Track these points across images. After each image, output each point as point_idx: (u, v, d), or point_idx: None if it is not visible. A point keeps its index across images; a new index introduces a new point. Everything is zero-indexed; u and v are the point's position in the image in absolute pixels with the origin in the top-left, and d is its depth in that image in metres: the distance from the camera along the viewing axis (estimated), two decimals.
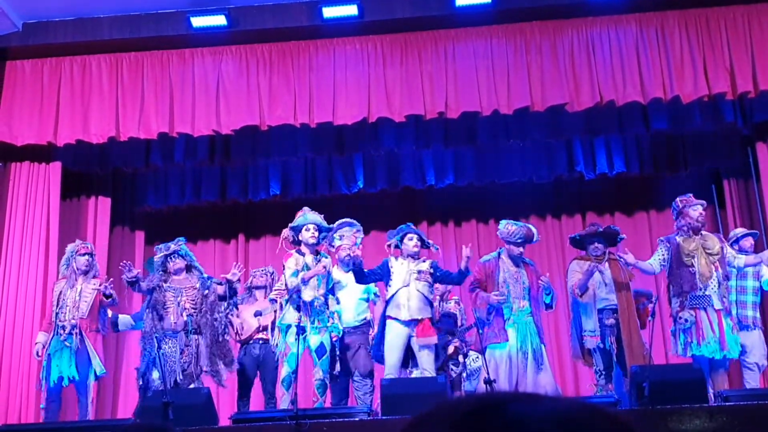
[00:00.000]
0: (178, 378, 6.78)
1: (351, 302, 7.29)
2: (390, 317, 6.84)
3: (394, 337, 6.80)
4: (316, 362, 6.81)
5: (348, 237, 7.39)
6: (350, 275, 7.26)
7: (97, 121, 8.42)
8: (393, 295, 6.85)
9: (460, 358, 7.49)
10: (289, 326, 6.83)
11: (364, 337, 7.26)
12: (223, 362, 6.96)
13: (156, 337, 6.76)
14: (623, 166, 9.36)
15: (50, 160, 8.76)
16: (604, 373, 6.92)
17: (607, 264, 7.07)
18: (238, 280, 7.13)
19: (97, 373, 7.00)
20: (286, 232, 7.17)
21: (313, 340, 6.80)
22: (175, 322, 6.91)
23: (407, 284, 6.83)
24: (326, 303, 6.91)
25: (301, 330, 6.61)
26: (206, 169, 9.66)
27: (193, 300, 6.99)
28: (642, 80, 8.08)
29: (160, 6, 8.51)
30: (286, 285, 7.02)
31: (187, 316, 6.93)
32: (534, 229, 7.19)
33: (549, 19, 8.36)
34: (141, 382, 6.97)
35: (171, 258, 7.09)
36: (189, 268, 7.16)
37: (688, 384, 5.89)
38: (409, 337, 6.80)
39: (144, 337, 7.05)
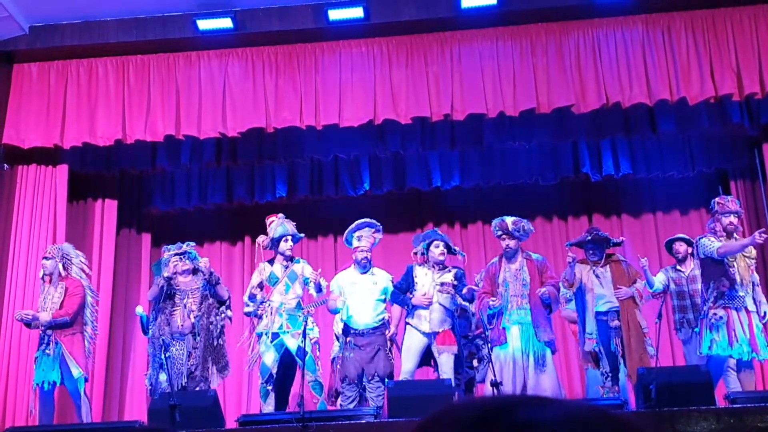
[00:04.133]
0: (184, 381, 6.78)
1: (368, 303, 7.27)
2: (410, 324, 6.91)
3: (413, 342, 6.92)
4: (302, 365, 6.83)
5: (366, 238, 7.41)
6: (365, 276, 7.30)
7: (104, 124, 8.44)
8: (416, 306, 6.95)
9: (475, 362, 7.50)
10: (260, 334, 7.02)
11: (383, 339, 7.22)
12: (216, 367, 6.97)
13: (163, 340, 6.77)
14: (629, 168, 9.34)
15: (57, 163, 8.79)
16: (610, 375, 6.92)
17: (608, 267, 7.07)
18: (212, 273, 7.11)
19: (75, 377, 6.90)
20: (265, 240, 7.25)
21: (291, 343, 6.86)
22: (182, 325, 6.92)
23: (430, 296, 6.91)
24: (298, 307, 6.97)
25: (274, 336, 6.77)
26: (213, 172, 9.68)
27: (198, 301, 7.01)
28: (648, 82, 8.07)
29: (166, 9, 8.52)
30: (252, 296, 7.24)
31: (194, 317, 6.94)
32: (508, 219, 7.16)
33: (555, 20, 8.35)
34: (149, 386, 7.00)
35: (180, 258, 7.10)
36: (195, 271, 7.18)
37: (695, 386, 5.88)
38: (429, 345, 6.90)
39: (152, 340, 7.07)
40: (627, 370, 6.83)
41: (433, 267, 7.07)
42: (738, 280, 6.59)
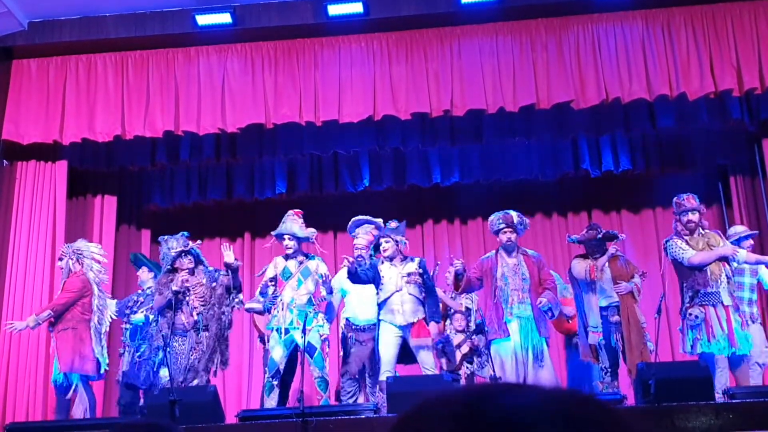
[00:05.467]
0: (182, 376, 6.77)
1: (370, 299, 7.28)
2: (384, 321, 6.89)
3: (389, 336, 6.84)
4: (310, 362, 6.86)
5: (363, 235, 7.39)
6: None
7: (103, 120, 8.44)
8: (386, 300, 6.89)
9: (476, 358, 7.49)
10: (271, 329, 7.02)
11: None
12: (221, 359, 6.97)
13: (163, 335, 6.76)
14: (629, 164, 9.34)
15: (56, 159, 8.78)
16: (609, 370, 6.93)
17: (607, 262, 7.08)
18: (236, 259, 7.11)
19: (53, 376, 6.93)
20: (272, 239, 7.30)
21: (301, 339, 6.85)
22: (186, 322, 6.92)
23: (399, 289, 6.86)
24: (309, 303, 6.98)
25: (285, 331, 6.77)
26: (212, 168, 9.68)
27: (202, 297, 6.99)
28: (648, 77, 8.06)
29: (165, 4, 8.52)
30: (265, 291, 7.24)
31: (197, 314, 6.93)
32: (513, 213, 7.16)
33: (554, 16, 8.35)
34: (121, 380, 7.07)
35: (182, 256, 7.08)
36: (197, 264, 7.17)
37: (694, 381, 5.88)
38: (405, 339, 6.84)
39: (153, 336, 7.06)
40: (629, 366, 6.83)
41: (395, 260, 7.03)
42: (709, 275, 6.58)
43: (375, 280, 6.97)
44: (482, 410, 0.77)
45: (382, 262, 7.02)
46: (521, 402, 0.77)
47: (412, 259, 7.07)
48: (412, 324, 6.81)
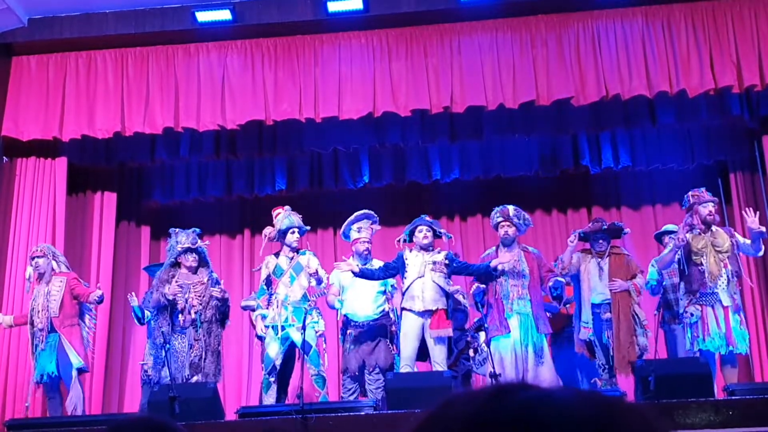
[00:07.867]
0: (186, 373, 6.78)
1: (369, 295, 7.30)
2: (405, 309, 6.89)
3: (409, 328, 6.84)
4: (306, 359, 6.86)
5: (365, 229, 7.43)
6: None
7: (103, 116, 8.44)
8: (408, 287, 6.89)
9: (471, 353, 7.49)
10: (268, 327, 7.07)
11: (384, 330, 7.26)
12: (212, 373, 6.97)
13: (163, 332, 6.77)
14: (629, 161, 9.34)
15: (56, 156, 8.78)
16: (606, 367, 6.93)
17: (608, 259, 7.08)
18: (224, 293, 7.11)
19: (75, 367, 6.94)
20: (272, 231, 7.25)
21: (296, 336, 6.85)
22: (183, 320, 6.92)
23: (422, 275, 6.85)
24: (304, 299, 6.99)
25: (280, 329, 6.82)
26: (212, 164, 9.67)
27: (200, 295, 6.99)
28: (648, 74, 8.06)
29: (165, 1, 8.51)
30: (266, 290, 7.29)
31: (195, 313, 6.93)
32: (510, 207, 7.16)
33: (554, 12, 8.34)
34: (145, 378, 7.04)
35: (187, 253, 7.08)
36: (201, 264, 7.18)
37: (694, 378, 5.88)
38: (424, 329, 6.81)
39: (153, 334, 7.08)
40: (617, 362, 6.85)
41: (422, 250, 7.03)
42: (707, 275, 6.57)
43: (400, 270, 6.98)
44: (499, 408, 0.77)
45: (411, 251, 7.01)
46: (537, 398, 0.77)
47: (439, 251, 7.07)
48: (432, 312, 6.79)
